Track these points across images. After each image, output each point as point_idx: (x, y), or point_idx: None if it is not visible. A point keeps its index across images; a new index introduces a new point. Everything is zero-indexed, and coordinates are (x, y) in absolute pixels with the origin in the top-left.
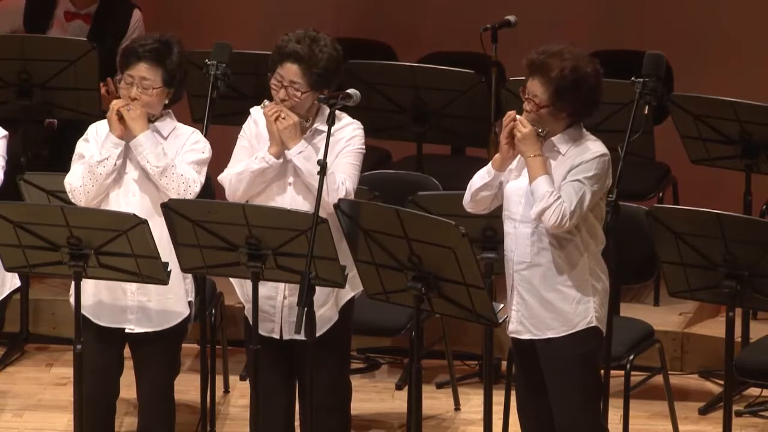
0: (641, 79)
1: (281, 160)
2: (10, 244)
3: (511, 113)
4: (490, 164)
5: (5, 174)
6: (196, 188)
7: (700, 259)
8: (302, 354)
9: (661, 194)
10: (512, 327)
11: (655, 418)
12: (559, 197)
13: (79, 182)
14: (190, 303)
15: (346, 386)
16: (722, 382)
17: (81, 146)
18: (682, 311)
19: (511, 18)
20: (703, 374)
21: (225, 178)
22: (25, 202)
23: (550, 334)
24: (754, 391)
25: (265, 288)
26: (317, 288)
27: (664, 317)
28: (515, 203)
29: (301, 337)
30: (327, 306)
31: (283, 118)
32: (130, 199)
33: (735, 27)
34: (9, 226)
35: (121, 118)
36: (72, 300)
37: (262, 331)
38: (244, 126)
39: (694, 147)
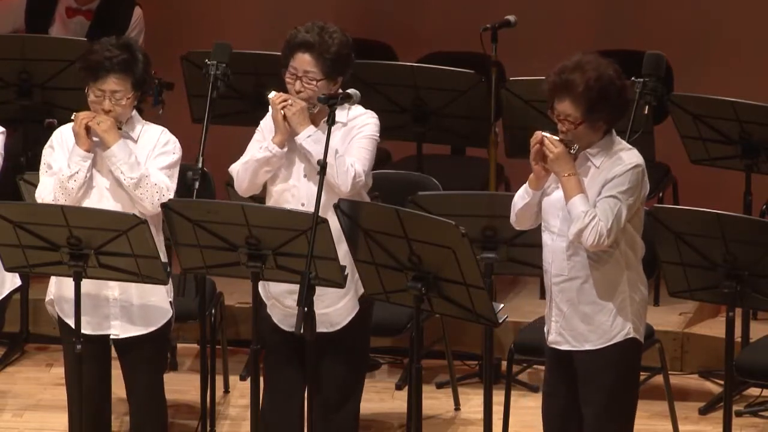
0: (641, 79)
1: (285, 149)
2: (10, 244)
3: (538, 134)
4: (527, 184)
5: (4, 172)
6: (170, 195)
7: (700, 259)
8: (322, 347)
9: (661, 194)
10: (551, 337)
11: (655, 418)
12: (594, 216)
13: (50, 196)
14: (171, 303)
15: (362, 381)
16: (722, 382)
17: (47, 154)
18: (682, 311)
19: (511, 18)
20: (703, 374)
21: (234, 169)
22: (25, 202)
23: (588, 346)
24: (754, 391)
25: (288, 284)
26: None
27: (664, 317)
28: (553, 216)
29: (326, 329)
30: (347, 298)
31: (291, 104)
32: (103, 206)
33: (735, 27)
34: (9, 226)
35: (88, 130)
36: (48, 307)
37: (286, 327)
38: (262, 120)
39: (694, 147)
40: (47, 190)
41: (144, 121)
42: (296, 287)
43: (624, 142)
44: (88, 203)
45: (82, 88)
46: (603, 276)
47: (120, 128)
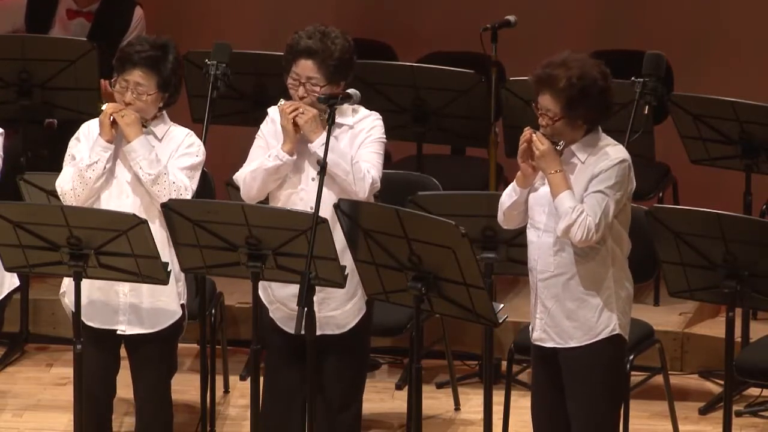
0: (641, 79)
1: (294, 157)
2: (10, 244)
3: (528, 131)
4: (515, 182)
5: (3, 172)
6: (187, 195)
7: (700, 259)
8: (328, 349)
9: (661, 194)
10: (536, 335)
11: (655, 418)
12: (582, 212)
13: (69, 185)
14: (182, 306)
15: (364, 383)
16: (722, 382)
17: (72, 146)
18: (682, 311)
19: (511, 18)
20: (703, 374)
21: (240, 176)
22: (25, 202)
23: (573, 343)
24: (754, 391)
25: (294, 286)
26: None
27: (664, 317)
28: (539, 212)
29: (333, 332)
30: (356, 299)
31: (302, 113)
32: (123, 201)
33: (735, 27)
34: (9, 226)
35: (114, 122)
36: (63, 300)
37: (290, 329)
38: (261, 126)
39: (694, 147)
40: (66, 179)
41: (172, 122)
42: None
43: (609, 138)
44: (107, 195)
45: (82, 88)
46: (589, 272)
47: (145, 126)
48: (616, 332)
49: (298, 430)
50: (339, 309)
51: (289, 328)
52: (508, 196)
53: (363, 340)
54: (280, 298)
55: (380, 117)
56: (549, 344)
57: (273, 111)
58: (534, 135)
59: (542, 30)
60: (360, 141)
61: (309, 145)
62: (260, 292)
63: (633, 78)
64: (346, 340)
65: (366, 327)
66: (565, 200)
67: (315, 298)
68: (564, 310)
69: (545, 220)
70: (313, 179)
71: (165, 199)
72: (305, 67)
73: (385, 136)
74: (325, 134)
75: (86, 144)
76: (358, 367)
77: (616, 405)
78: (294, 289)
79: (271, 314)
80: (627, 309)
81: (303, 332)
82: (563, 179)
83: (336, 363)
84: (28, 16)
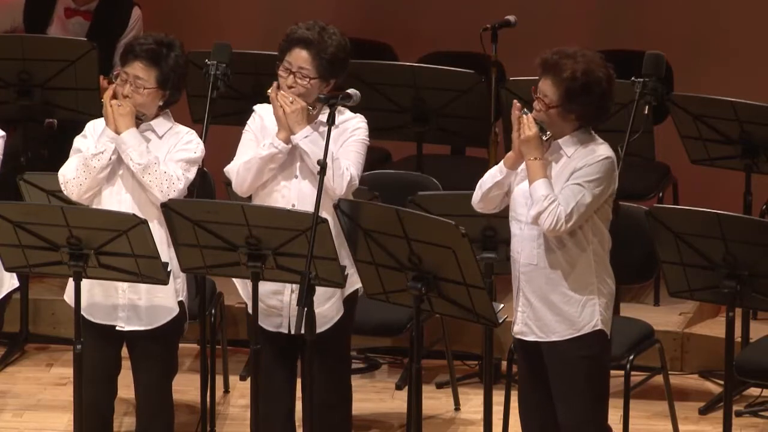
0: (641, 79)
1: (290, 145)
2: (10, 244)
3: (517, 105)
4: (501, 162)
5: (3, 172)
6: (180, 185)
7: (700, 259)
8: (309, 348)
9: (661, 194)
10: (517, 328)
11: (655, 418)
12: (554, 200)
13: (72, 174)
14: (180, 303)
15: (349, 381)
16: (722, 382)
17: (78, 141)
18: (682, 311)
19: (511, 18)
20: (703, 374)
21: (232, 169)
22: (25, 202)
23: (555, 338)
24: (754, 391)
25: (272, 283)
26: None
27: (664, 317)
28: (521, 205)
29: None
30: (334, 299)
31: (291, 102)
32: (123, 197)
33: (735, 27)
34: (9, 226)
35: None
36: (67, 298)
37: (269, 327)
38: (248, 122)
39: (694, 147)
40: (70, 168)
41: (176, 122)
42: (280, 287)
43: (598, 138)
44: (108, 192)
45: (82, 88)
46: (572, 266)
47: (142, 120)
48: (599, 327)
49: (285, 430)
50: (317, 309)
51: (267, 324)
52: (491, 176)
53: (341, 340)
54: (259, 294)
55: (365, 120)
56: (530, 338)
57: (259, 108)
58: (525, 116)
59: (542, 30)
60: (343, 140)
61: (291, 138)
62: (240, 289)
63: (633, 78)
64: (323, 339)
65: (345, 328)
66: (539, 188)
67: (293, 297)
68: (546, 303)
69: (527, 212)
70: (296, 176)
71: (156, 190)
72: (298, 56)
73: (368, 138)
74: (307, 128)
75: (92, 141)
76: (337, 367)
77: (600, 400)
78: (271, 285)
79: (249, 311)
80: (609, 305)
81: (303, 332)
82: (541, 167)
83: (314, 362)
84: (27, 14)
